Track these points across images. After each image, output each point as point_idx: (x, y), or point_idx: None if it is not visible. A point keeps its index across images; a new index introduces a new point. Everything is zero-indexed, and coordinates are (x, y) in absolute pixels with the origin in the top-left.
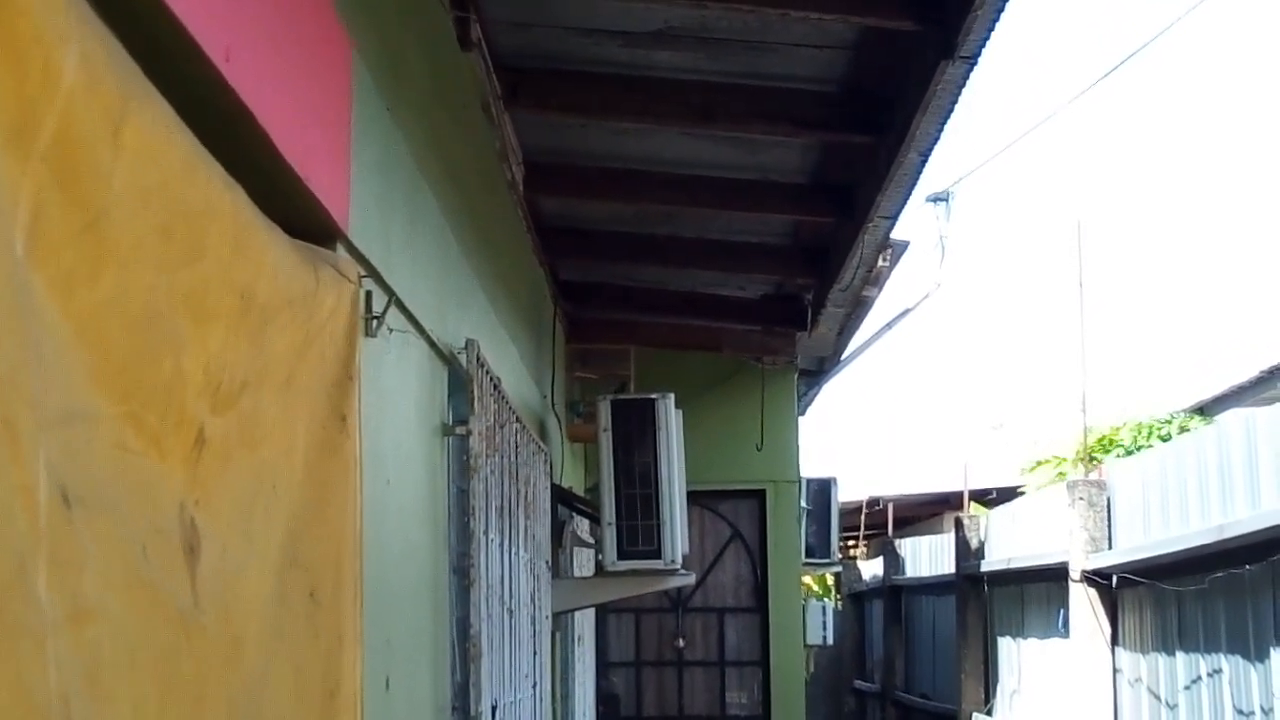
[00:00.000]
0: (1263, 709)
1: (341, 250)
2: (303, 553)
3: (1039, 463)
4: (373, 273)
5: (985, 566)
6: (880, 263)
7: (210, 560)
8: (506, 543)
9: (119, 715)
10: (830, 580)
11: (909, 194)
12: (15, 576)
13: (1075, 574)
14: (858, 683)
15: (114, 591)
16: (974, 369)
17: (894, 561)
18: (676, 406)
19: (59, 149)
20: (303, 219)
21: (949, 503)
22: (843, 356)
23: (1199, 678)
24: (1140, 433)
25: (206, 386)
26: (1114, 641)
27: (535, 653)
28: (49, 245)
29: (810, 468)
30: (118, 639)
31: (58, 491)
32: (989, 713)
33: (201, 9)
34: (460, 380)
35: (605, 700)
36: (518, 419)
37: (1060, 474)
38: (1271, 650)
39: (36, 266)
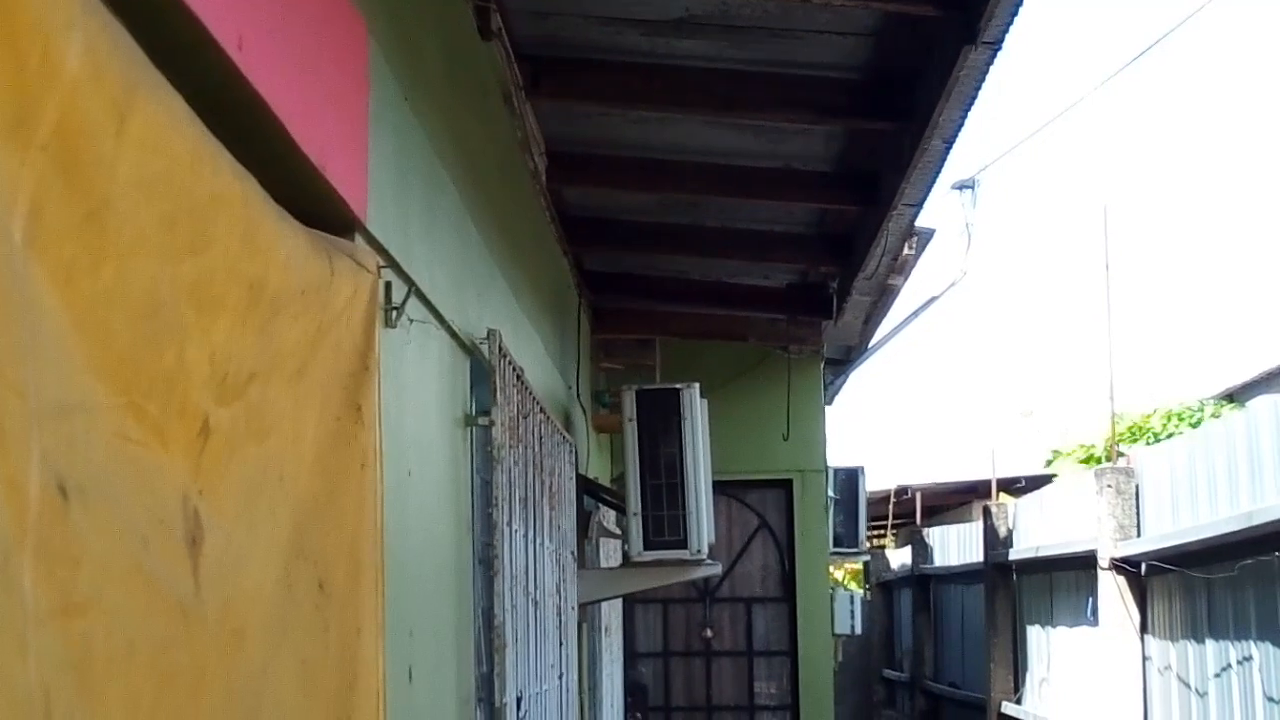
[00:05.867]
0: None
1: (360, 240)
2: (311, 544)
3: (1057, 453)
4: (391, 263)
5: (1014, 555)
6: (906, 251)
7: (213, 551)
8: (531, 533)
9: (109, 708)
10: (859, 569)
11: (934, 181)
12: None
13: (1104, 562)
14: (886, 672)
15: (112, 583)
16: (1001, 357)
17: (922, 550)
18: (702, 396)
19: (60, 139)
20: (320, 209)
21: (977, 491)
22: (869, 345)
23: (1229, 665)
24: (1170, 420)
25: (212, 377)
26: (1143, 629)
27: (561, 643)
28: (49, 235)
29: (837, 457)
30: (114, 631)
31: (53, 483)
32: (1018, 701)
33: None
34: (482, 371)
35: (633, 691)
36: (541, 409)
37: (1091, 458)
38: None
39: (36, 256)
